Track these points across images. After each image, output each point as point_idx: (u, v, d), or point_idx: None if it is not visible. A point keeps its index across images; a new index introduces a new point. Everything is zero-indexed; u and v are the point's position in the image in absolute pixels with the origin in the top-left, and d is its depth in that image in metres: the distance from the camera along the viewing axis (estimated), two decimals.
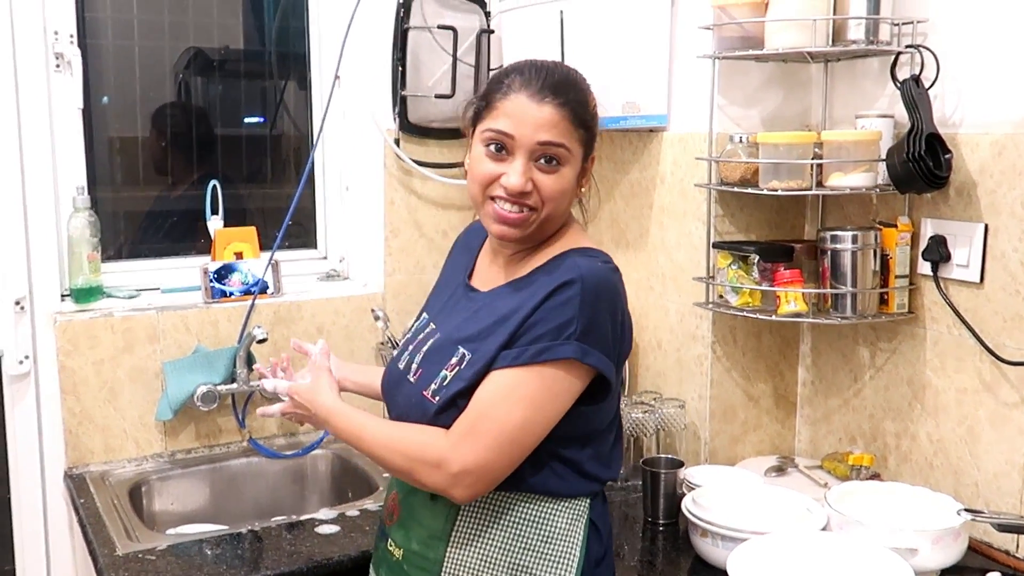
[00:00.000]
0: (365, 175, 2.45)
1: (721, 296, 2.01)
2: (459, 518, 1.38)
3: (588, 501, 1.41)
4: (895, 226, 1.86)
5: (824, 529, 1.68)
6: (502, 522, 1.37)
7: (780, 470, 2.04)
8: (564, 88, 1.35)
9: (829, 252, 1.88)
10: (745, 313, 1.95)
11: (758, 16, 1.84)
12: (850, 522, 1.65)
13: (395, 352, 1.56)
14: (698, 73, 2.01)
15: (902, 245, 1.86)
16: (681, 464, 1.96)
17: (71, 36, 2.13)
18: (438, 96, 2.37)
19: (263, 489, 2.27)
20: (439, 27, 2.35)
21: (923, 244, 1.84)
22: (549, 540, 1.38)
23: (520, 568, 1.37)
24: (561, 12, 2.12)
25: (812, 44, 1.80)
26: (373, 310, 2.39)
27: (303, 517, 1.91)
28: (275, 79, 2.57)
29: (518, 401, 1.30)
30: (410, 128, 2.41)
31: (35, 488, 2.13)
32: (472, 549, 1.37)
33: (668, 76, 2.11)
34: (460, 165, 2.45)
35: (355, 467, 2.23)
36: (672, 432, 2.12)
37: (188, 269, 2.33)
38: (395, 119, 2.40)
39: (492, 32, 2.42)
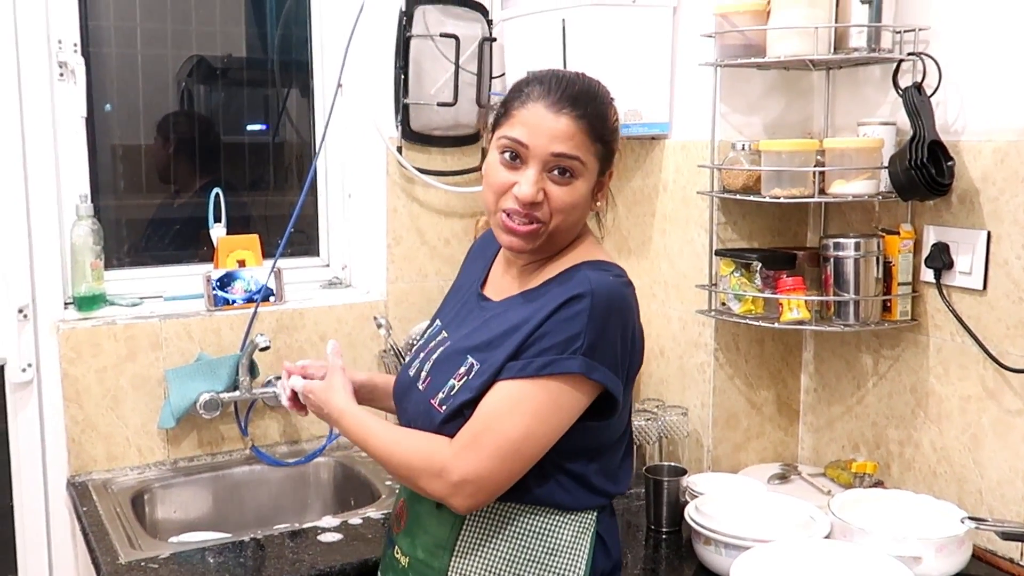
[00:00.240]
0: (367, 183, 2.45)
1: (724, 304, 2.01)
2: (464, 527, 1.38)
3: (595, 514, 1.40)
4: (898, 233, 1.87)
5: (827, 537, 1.68)
6: (506, 533, 1.37)
7: (783, 478, 2.04)
8: (583, 100, 1.33)
9: (832, 259, 1.87)
10: (748, 321, 1.95)
11: (760, 24, 1.84)
12: (853, 530, 1.65)
13: (407, 358, 1.56)
14: (700, 81, 2.01)
15: (905, 252, 1.86)
16: (684, 472, 1.95)
17: (75, 45, 2.14)
18: (440, 104, 2.37)
19: (266, 497, 2.26)
20: (441, 35, 2.35)
21: (926, 251, 1.84)
22: (554, 552, 1.37)
23: None
24: (563, 20, 2.13)
25: (814, 52, 1.80)
26: (375, 318, 2.39)
27: (306, 525, 1.90)
28: (278, 87, 2.57)
29: (521, 414, 1.29)
30: (412, 136, 2.41)
31: (38, 496, 2.13)
32: (476, 559, 1.37)
33: (670, 84, 2.12)
34: (462, 173, 2.47)
35: (358, 475, 2.23)
36: (675, 440, 2.12)
37: (191, 277, 2.33)
38: (397, 127, 2.40)
39: (494, 40, 2.42)
